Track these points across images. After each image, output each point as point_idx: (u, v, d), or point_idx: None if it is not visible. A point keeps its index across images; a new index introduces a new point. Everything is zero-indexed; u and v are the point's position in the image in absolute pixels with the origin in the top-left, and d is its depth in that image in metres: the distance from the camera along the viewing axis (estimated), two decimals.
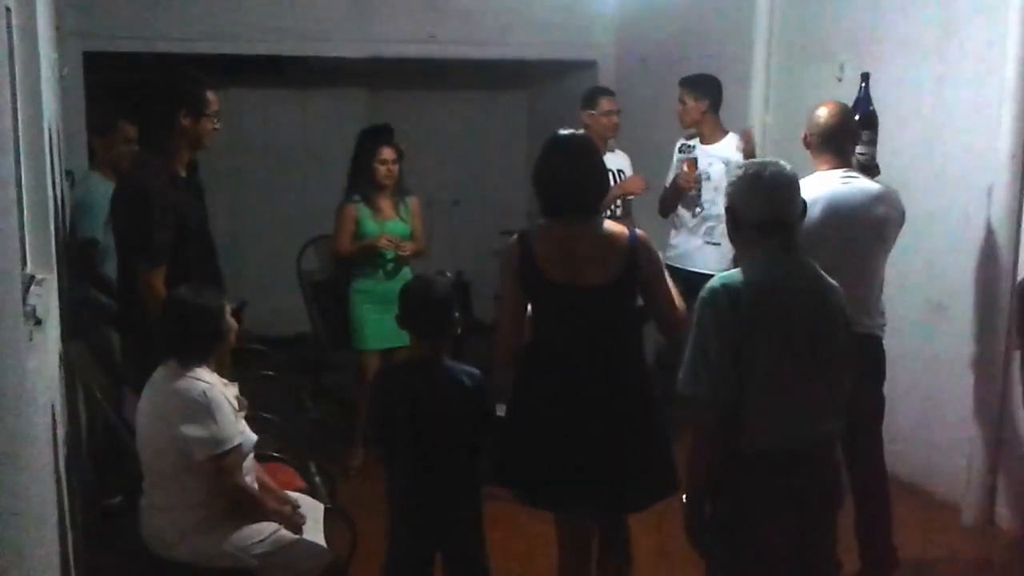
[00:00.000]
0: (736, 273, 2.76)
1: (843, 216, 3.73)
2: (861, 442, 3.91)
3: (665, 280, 3.28)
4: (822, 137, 3.87)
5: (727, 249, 5.21)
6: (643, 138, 6.15)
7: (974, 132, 4.68)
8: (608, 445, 3.20)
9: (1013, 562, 4.43)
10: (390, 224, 5.40)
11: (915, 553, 4.28)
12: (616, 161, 5.81)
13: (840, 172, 3.82)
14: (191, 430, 3.18)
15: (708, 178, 5.48)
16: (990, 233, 4.51)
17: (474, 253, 7.61)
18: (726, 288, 2.71)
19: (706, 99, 5.50)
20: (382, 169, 5.33)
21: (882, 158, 4.18)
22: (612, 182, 5.69)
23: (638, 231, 3.29)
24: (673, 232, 5.67)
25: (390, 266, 5.42)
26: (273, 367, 5.37)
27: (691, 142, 5.61)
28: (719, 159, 5.47)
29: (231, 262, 7.88)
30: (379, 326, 5.22)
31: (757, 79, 6.12)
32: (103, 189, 4.53)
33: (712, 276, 2.82)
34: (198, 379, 3.25)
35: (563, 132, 3.37)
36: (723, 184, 5.39)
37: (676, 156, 5.68)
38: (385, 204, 5.41)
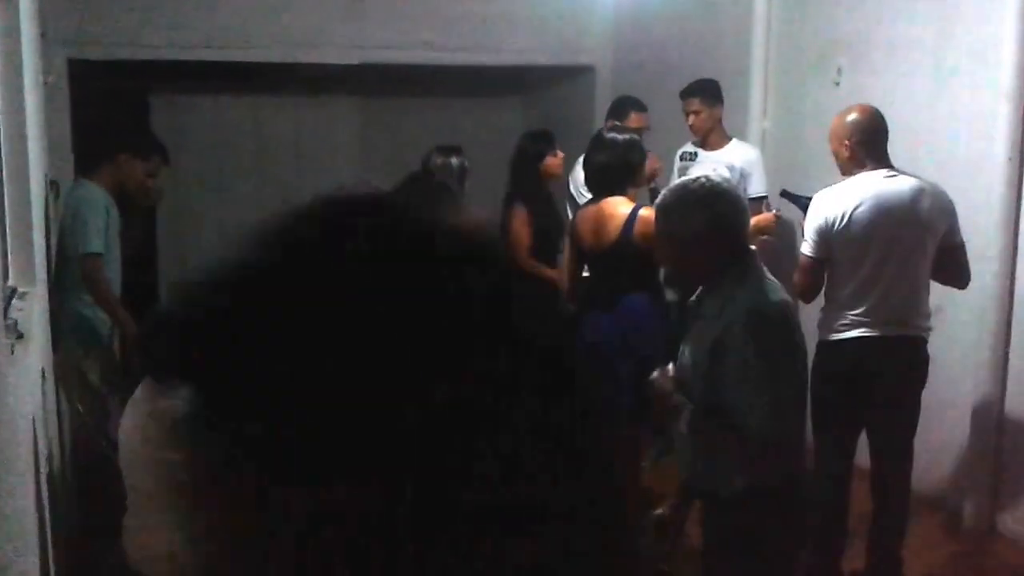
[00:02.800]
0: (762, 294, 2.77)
1: (891, 214, 3.81)
2: (893, 451, 4.01)
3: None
4: (862, 140, 3.90)
5: None
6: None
7: (971, 136, 4.72)
8: None
9: (1014, 569, 4.46)
10: None
11: (918, 561, 4.31)
12: None
13: (883, 171, 3.88)
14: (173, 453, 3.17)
15: None
16: (987, 237, 4.52)
17: None
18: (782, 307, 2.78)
19: (720, 104, 5.54)
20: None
21: None
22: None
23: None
24: None
25: None
26: None
27: (693, 149, 5.63)
28: (724, 165, 5.48)
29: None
30: None
31: (755, 84, 6.15)
32: (99, 198, 4.43)
33: None
34: (180, 399, 3.24)
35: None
36: None
37: (677, 165, 5.70)
38: None
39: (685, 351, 2.88)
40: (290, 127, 8.21)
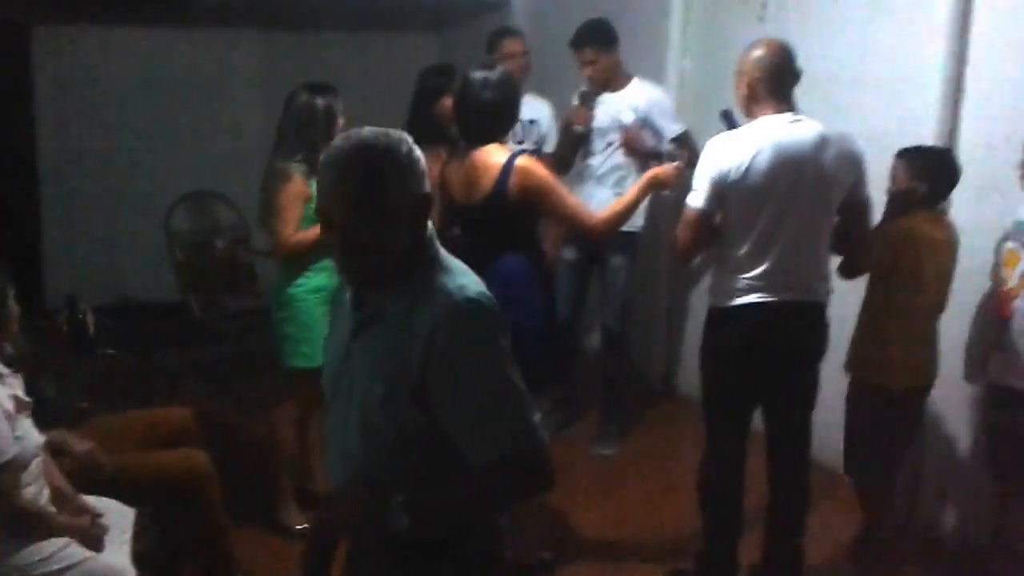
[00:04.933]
0: None
1: (792, 163, 3.40)
2: (790, 428, 3.70)
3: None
4: (765, 80, 3.46)
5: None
6: (562, 81, 5.66)
7: (905, 78, 4.37)
8: None
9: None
10: None
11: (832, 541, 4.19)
12: (531, 110, 5.31)
13: (788, 116, 3.45)
14: None
15: (621, 125, 5.06)
16: None
17: None
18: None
19: (615, 46, 5.06)
20: (341, 125, 4.15)
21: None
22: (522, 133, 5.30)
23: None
24: (577, 185, 5.28)
25: None
26: (116, 344, 4.91)
27: (593, 88, 5.18)
28: (629, 107, 5.06)
29: (103, 218, 7.57)
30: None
31: (674, 19, 5.71)
32: None
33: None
34: None
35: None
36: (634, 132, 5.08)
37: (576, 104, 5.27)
38: None
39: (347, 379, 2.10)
40: (185, 62, 7.64)
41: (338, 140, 1.99)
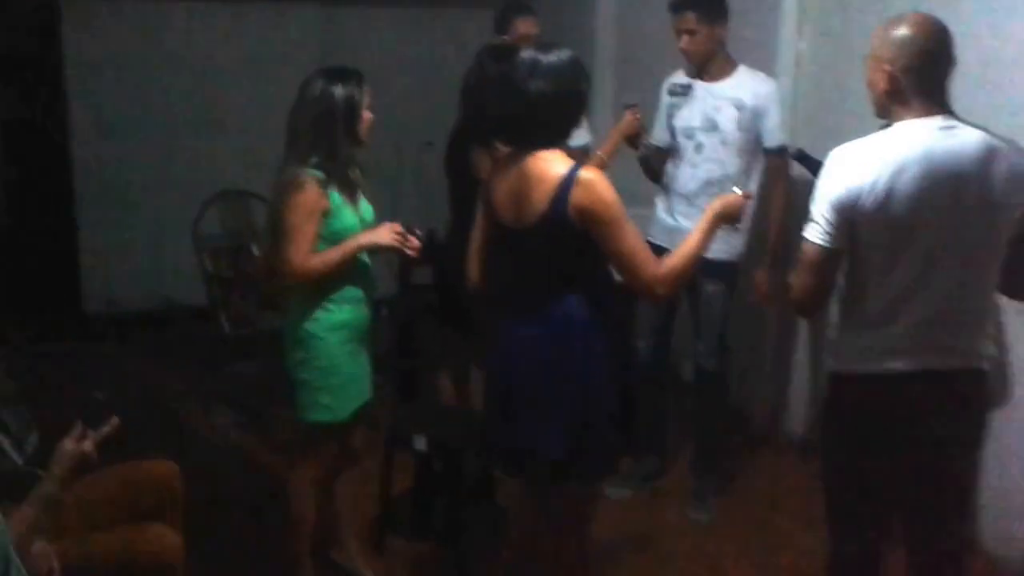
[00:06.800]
0: None
1: (947, 183, 2.56)
2: (941, 537, 2.88)
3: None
4: (913, 70, 2.59)
5: (742, 226, 4.09)
6: (652, 75, 4.81)
7: None
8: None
9: None
10: (365, 208, 3.55)
11: None
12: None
13: (938, 120, 2.59)
14: None
15: (715, 128, 4.19)
16: None
17: None
18: None
19: (724, 21, 4.19)
20: (367, 121, 3.46)
21: None
22: None
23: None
24: (660, 203, 4.43)
25: (369, 281, 3.59)
26: None
27: (686, 81, 4.31)
28: (730, 102, 4.18)
29: (143, 212, 6.94)
30: (358, 379, 3.58)
31: None
32: None
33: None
34: None
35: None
36: (734, 135, 4.19)
37: (666, 101, 4.41)
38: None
39: None
40: (238, 39, 6.91)
41: None
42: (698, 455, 4.59)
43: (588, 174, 2.78)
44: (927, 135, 2.56)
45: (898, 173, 2.53)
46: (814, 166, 2.91)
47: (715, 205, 2.96)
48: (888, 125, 2.65)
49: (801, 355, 5.07)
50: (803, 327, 5.03)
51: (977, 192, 2.56)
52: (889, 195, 2.53)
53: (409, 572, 4.00)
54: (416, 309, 5.34)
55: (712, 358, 4.41)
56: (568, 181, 2.78)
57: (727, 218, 2.97)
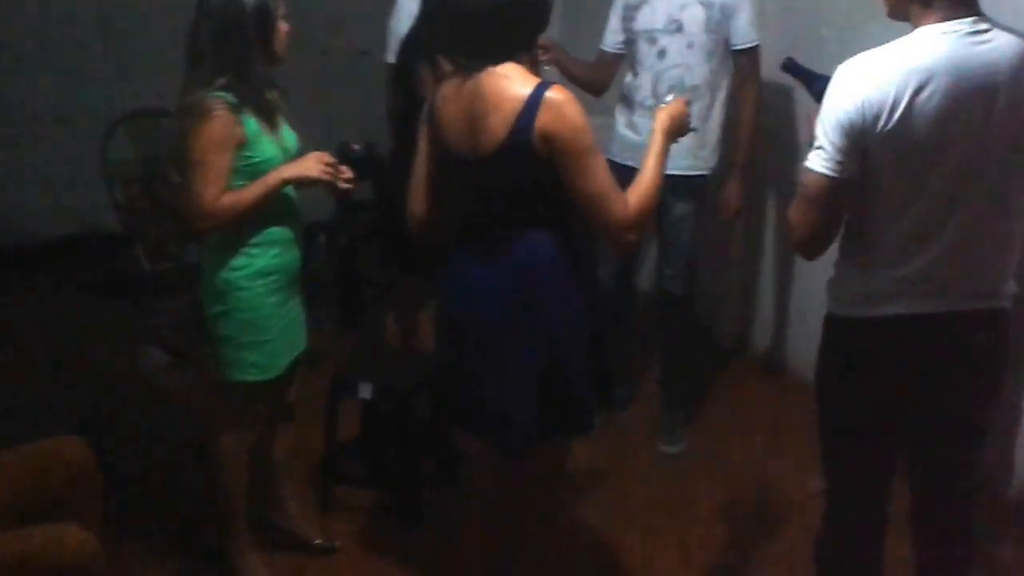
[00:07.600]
0: None
1: (977, 99, 2.20)
2: (951, 484, 2.62)
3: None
4: None
5: (712, 136, 3.92)
6: None
7: None
8: None
9: None
10: (287, 136, 3.11)
11: None
12: None
13: (966, 23, 2.21)
14: None
15: (679, 29, 3.79)
16: None
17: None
18: None
19: None
20: (283, 34, 2.99)
21: None
22: None
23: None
24: (620, 116, 4.05)
25: (296, 217, 3.17)
26: None
27: None
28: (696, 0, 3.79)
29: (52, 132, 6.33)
30: (289, 330, 3.20)
31: None
32: None
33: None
34: None
35: None
36: (701, 37, 3.80)
37: (623, 2, 3.98)
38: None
39: None
40: None
41: None
42: (666, 387, 4.30)
43: (557, 95, 2.37)
44: (953, 42, 2.19)
45: (920, 88, 2.17)
46: (811, 79, 2.53)
47: (660, 120, 2.60)
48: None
49: (768, 267, 4.82)
50: (770, 240, 4.75)
51: (1010, 107, 2.21)
52: (910, 114, 2.17)
53: (358, 527, 3.69)
54: (358, 234, 4.91)
55: (679, 281, 4.09)
56: (533, 103, 2.37)
57: (676, 131, 2.62)
